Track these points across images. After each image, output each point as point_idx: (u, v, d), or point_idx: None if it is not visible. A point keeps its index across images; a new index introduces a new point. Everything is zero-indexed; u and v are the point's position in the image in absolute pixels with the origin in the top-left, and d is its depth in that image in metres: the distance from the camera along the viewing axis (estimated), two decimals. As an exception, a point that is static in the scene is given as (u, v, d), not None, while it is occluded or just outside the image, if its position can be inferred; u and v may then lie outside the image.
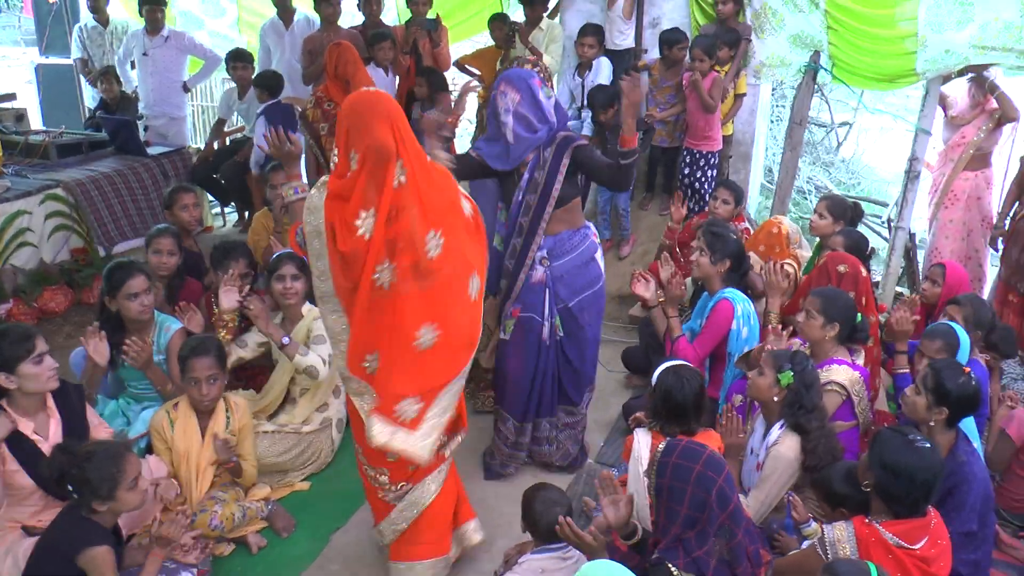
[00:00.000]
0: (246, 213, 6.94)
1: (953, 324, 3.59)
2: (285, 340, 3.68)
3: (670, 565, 2.51)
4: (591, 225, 3.90)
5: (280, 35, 6.84)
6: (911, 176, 6.06)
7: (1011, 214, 5.39)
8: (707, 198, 5.78)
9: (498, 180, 3.83)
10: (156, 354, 3.76)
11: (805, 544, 2.96)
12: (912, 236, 6.17)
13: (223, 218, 7.13)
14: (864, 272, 4.14)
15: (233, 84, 6.59)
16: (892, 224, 6.30)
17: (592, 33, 6.21)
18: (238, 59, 6.29)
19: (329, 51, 5.25)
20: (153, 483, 3.21)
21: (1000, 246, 5.53)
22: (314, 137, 5.24)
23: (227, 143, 6.82)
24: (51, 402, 3.10)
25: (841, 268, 4.14)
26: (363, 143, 2.50)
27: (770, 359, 3.34)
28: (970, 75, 5.65)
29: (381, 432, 2.69)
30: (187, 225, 4.59)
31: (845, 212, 4.83)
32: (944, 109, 5.88)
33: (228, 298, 3.77)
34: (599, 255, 3.91)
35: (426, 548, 3.10)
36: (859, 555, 2.61)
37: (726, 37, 5.85)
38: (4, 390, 2.96)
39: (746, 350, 4.06)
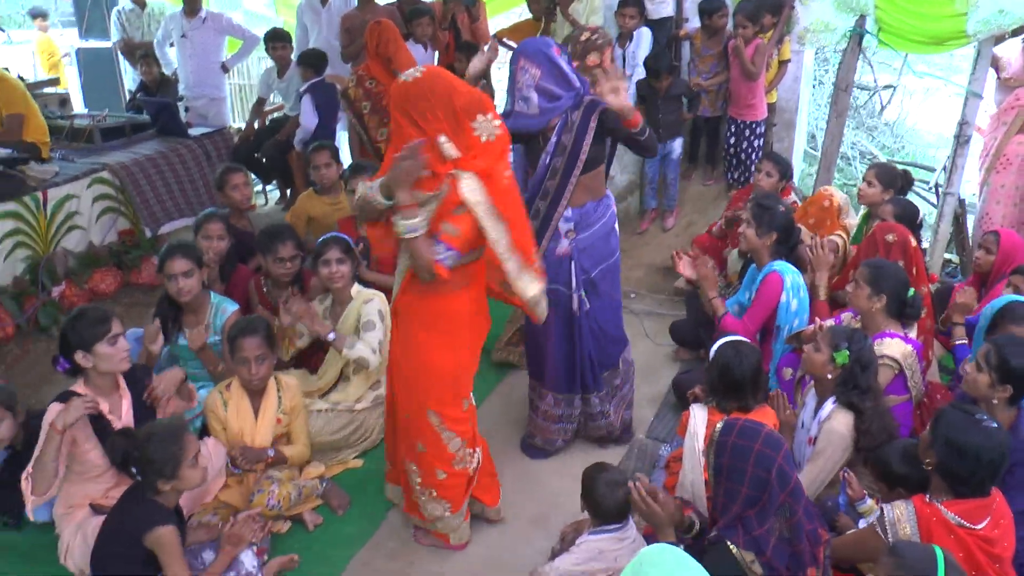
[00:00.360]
0: (288, 191, 6.97)
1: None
2: (331, 336, 3.71)
3: (729, 544, 2.51)
4: (611, 195, 3.88)
5: (317, 13, 6.82)
6: (961, 141, 5.90)
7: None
8: (752, 169, 5.70)
9: (524, 146, 3.79)
10: (212, 334, 3.83)
11: (862, 523, 2.94)
12: (962, 202, 6.03)
13: (265, 196, 7.18)
14: (914, 242, 4.06)
15: (272, 64, 6.58)
16: (940, 190, 6.18)
17: (633, 3, 6.13)
18: (277, 39, 6.30)
19: (370, 29, 5.23)
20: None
21: None
22: (357, 116, 5.23)
23: (267, 122, 6.84)
24: (122, 383, 3.21)
25: (889, 237, 4.06)
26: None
27: (828, 336, 3.30)
28: None
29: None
30: (239, 205, 4.63)
31: (895, 180, 4.74)
32: (997, 71, 5.73)
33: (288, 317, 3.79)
34: (616, 225, 3.90)
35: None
36: (920, 535, 2.58)
37: (769, 3, 5.73)
38: (81, 369, 3.08)
39: (796, 325, 4.04)
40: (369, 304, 3.80)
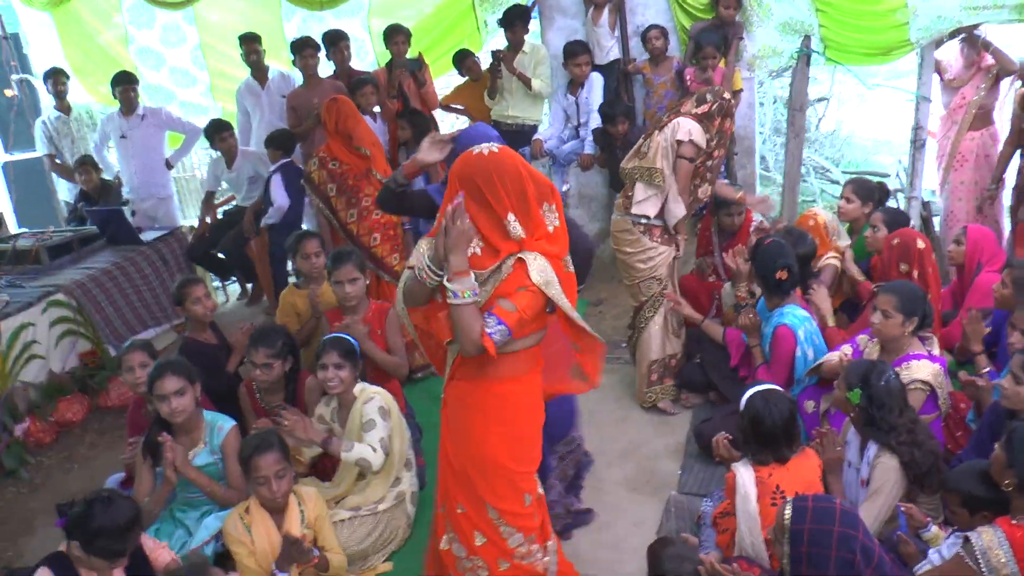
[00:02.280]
0: (249, 285, 6.73)
1: None
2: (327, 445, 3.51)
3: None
4: None
5: (257, 96, 6.64)
6: (917, 145, 6.03)
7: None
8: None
9: None
10: (210, 454, 3.57)
11: (932, 552, 2.83)
12: (927, 204, 6.13)
13: (225, 293, 6.89)
14: (920, 243, 4.07)
15: (217, 155, 6.34)
16: (901, 194, 6.27)
17: (583, 51, 6.15)
18: (220, 129, 6.06)
19: (327, 108, 5.07)
20: None
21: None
22: (323, 199, 5.03)
23: (218, 216, 6.57)
24: None
25: (895, 241, 4.10)
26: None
27: (844, 373, 3.24)
28: (961, 36, 5.62)
29: None
30: (203, 318, 4.36)
31: (872, 193, 4.78)
32: (940, 74, 5.85)
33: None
34: None
35: None
36: (1017, 559, 2.48)
37: (720, 33, 5.79)
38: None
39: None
40: (370, 403, 3.61)
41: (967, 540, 2.58)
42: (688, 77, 5.90)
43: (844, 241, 4.72)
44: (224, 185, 6.61)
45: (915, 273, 4.08)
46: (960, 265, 4.37)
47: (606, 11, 6.23)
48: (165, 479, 3.39)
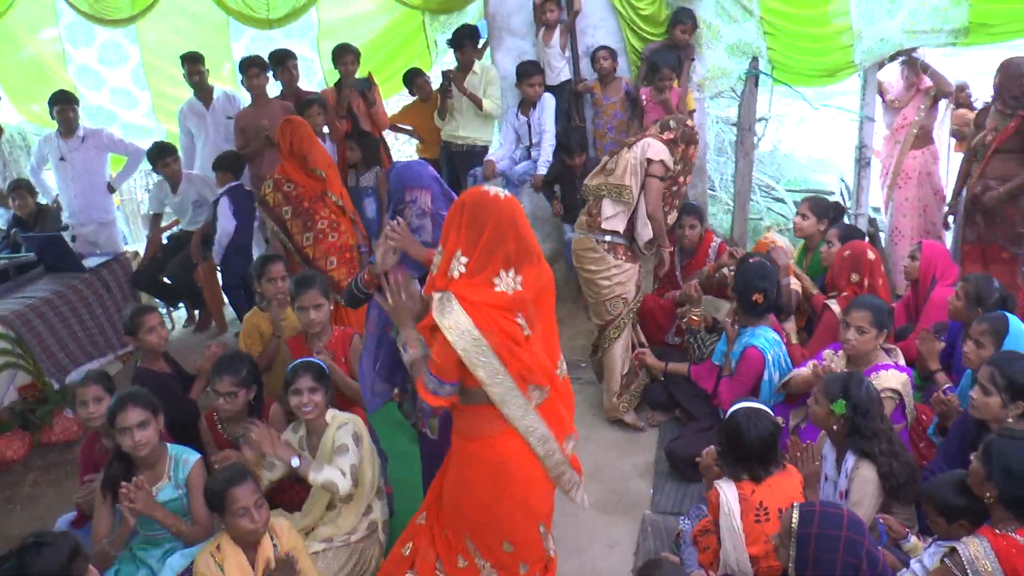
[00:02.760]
0: (196, 312, 6.52)
1: (1011, 316, 3.54)
2: (295, 462, 3.36)
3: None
4: None
5: (201, 117, 6.47)
6: (862, 163, 6.20)
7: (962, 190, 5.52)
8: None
9: None
10: (174, 489, 3.40)
11: (914, 563, 2.86)
12: (873, 221, 6.29)
13: (171, 320, 6.65)
14: (871, 254, 4.17)
15: (159, 178, 6.11)
16: (850, 211, 6.42)
17: (536, 72, 6.15)
18: (164, 154, 5.85)
19: (280, 129, 4.95)
20: None
21: (952, 223, 5.69)
22: (278, 223, 4.90)
23: (163, 241, 6.35)
24: None
25: (846, 253, 4.19)
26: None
27: (823, 387, 3.27)
28: (901, 59, 5.81)
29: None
30: (156, 348, 4.17)
31: (827, 210, 4.90)
32: (882, 95, 6.04)
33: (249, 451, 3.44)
34: None
35: None
36: (1003, 569, 2.51)
37: (674, 56, 5.85)
38: None
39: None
40: (343, 428, 3.50)
41: (953, 551, 2.61)
42: (644, 98, 5.96)
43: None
44: (168, 210, 6.38)
45: (865, 282, 4.19)
46: (915, 280, 4.48)
47: (557, 32, 6.25)
48: (124, 521, 3.21)
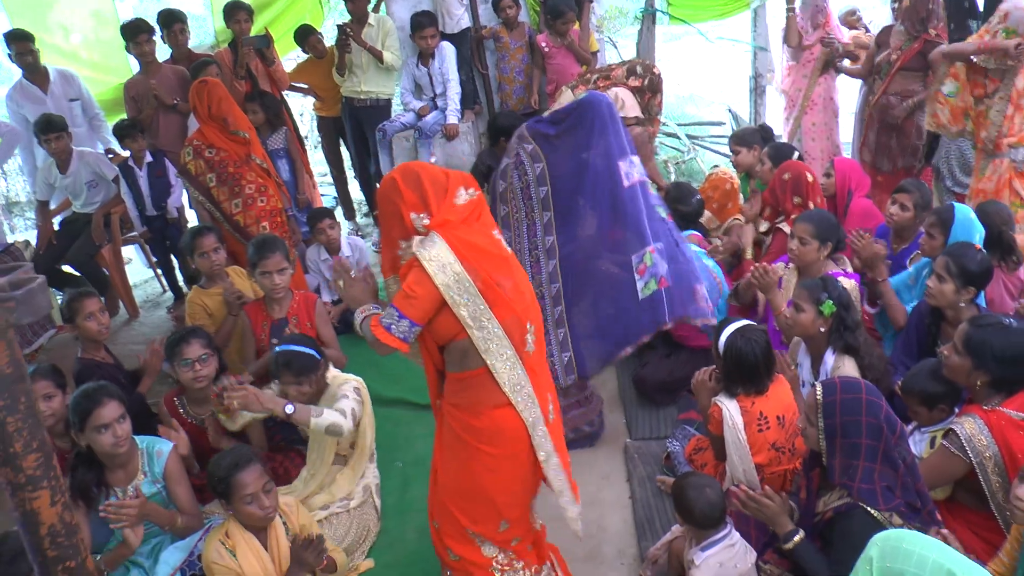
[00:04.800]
0: (103, 297, 6.01)
1: (958, 205, 3.81)
2: (289, 408, 3.15)
3: (869, 509, 2.51)
4: None
5: (39, 101, 5.75)
6: (758, 92, 6.48)
7: (862, 101, 5.86)
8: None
9: None
10: (152, 484, 3.19)
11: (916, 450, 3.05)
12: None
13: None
14: (810, 177, 4.37)
15: (48, 159, 5.54)
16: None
17: (430, 23, 6.03)
18: (50, 129, 5.31)
19: (196, 91, 4.62)
20: None
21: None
22: (203, 191, 4.60)
23: (55, 227, 5.80)
24: None
25: (785, 176, 4.38)
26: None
27: (805, 294, 3.41)
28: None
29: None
30: (96, 336, 3.86)
31: (755, 137, 5.07)
32: (791, 42, 6.16)
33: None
34: None
35: None
36: (996, 442, 2.73)
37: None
38: None
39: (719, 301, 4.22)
40: (346, 384, 3.37)
41: (950, 432, 2.81)
42: (543, 43, 5.96)
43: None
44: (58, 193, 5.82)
45: (810, 204, 4.41)
46: (832, 195, 4.74)
47: (452, -23, 6.14)
48: (124, 543, 2.98)
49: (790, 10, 5.90)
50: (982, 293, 3.53)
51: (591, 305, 3.65)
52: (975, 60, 4.43)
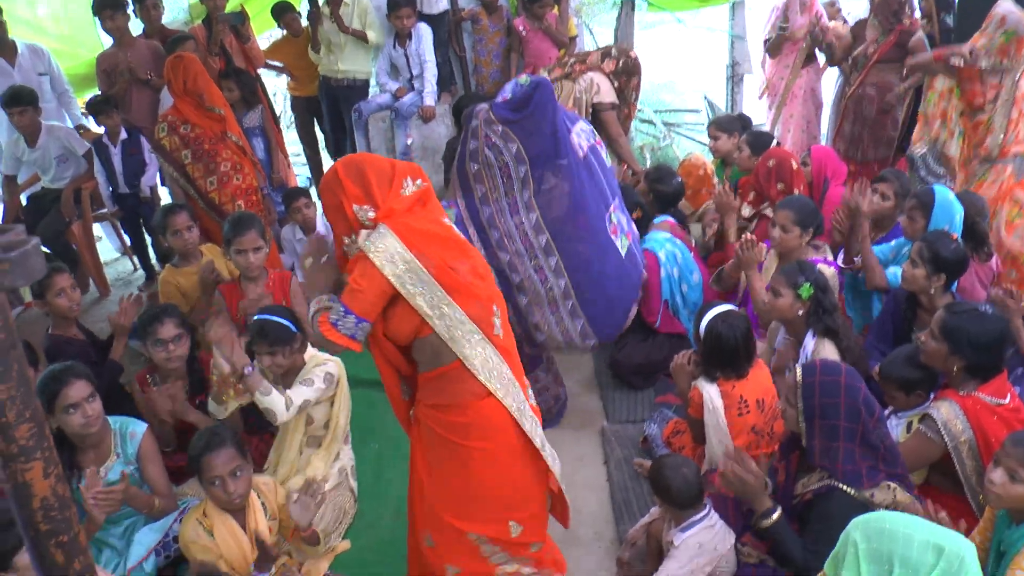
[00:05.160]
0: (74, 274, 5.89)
1: (937, 187, 3.85)
2: (247, 369, 3.08)
3: (847, 488, 2.54)
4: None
5: (6, 75, 5.59)
6: (735, 80, 6.50)
7: (839, 93, 5.90)
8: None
9: None
10: (124, 465, 3.13)
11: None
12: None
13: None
14: (795, 164, 4.39)
15: (15, 134, 5.39)
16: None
17: (406, 3, 5.96)
18: (16, 102, 5.15)
19: (171, 66, 4.52)
20: None
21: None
22: (178, 168, 4.52)
23: (23, 203, 5.66)
24: None
25: (770, 163, 4.39)
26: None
27: (782, 279, 3.43)
28: None
29: None
30: (68, 313, 3.80)
31: (735, 124, 5.08)
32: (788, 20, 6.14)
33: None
34: None
35: None
36: (971, 426, 2.78)
37: None
38: None
39: (686, 291, 4.29)
40: (320, 366, 3.33)
41: (926, 416, 2.86)
42: (520, 27, 5.93)
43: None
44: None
45: (795, 191, 4.43)
46: (809, 183, 4.78)
47: (431, -43, 6.08)
48: (90, 519, 2.88)
49: (783, 29, 5.86)
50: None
51: (596, 272, 3.65)
52: (983, 66, 4.38)
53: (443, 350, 2.46)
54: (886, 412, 3.22)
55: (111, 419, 3.18)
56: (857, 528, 1.96)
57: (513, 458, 2.62)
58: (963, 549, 1.81)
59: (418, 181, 2.50)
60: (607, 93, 4.46)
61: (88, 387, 3.00)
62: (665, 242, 4.27)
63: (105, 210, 5.62)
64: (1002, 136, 4.41)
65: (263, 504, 3.01)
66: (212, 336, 3.07)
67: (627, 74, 4.52)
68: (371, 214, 2.41)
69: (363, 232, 2.42)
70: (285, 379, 3.34)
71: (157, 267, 5.67)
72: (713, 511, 2.83)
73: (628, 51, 4.57)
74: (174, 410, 3.33)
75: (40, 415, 1.01)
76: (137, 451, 3.15)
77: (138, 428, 3.20)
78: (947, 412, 2.83)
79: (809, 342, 3.41)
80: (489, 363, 2.52)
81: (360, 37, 6.01)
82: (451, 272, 2.44)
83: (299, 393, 3.20)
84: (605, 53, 4.50)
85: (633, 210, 4.17)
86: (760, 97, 6.24)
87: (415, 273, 2.37)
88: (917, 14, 5.43)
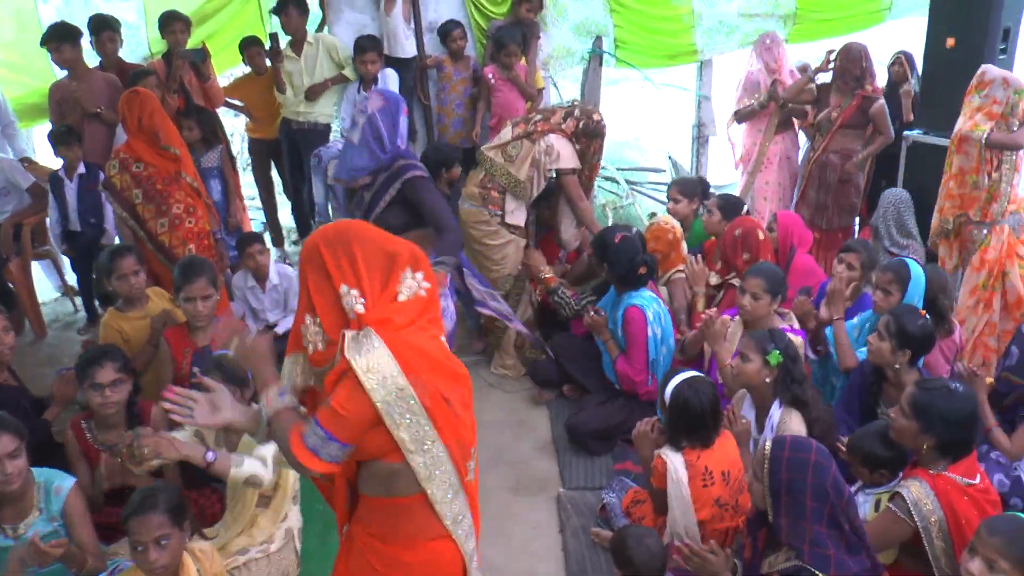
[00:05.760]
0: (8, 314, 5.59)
1: (909, 261, 3.82)
2: (210, 456, 2.88)
3: (818, 573, 2.44)
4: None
5: None
6: (701, 141, 6.52)
7: (804, 158, 5.92)
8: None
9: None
10: (47, 522, 2.91)
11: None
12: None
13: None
14: (761, 235, 4.36)
15: None
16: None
17: (372, 47, 5.88)
18: None
19: (126, 101, 4.35)
20: None
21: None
22: (128, 208, 4.32)
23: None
24: None
25: (737, 232, 4.34)
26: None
27: (752, 344, 3.37)
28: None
29: None
30: (0, 357, 3.59)
31: (696, 188, 5.05)
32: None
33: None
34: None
35: None
36: (942, 506, 2.71)
37: (519, 32, 5.83)
38: None
39: (665, 352, 4.22)
40: None
41: (897, 495, 2.79)
42: (490, 75, 5.89)
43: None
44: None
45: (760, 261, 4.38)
46: (774, 250, 4.75)
47: (399, 2, 6.00)
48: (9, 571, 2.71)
49: (762, 105, 5.84)
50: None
51: None
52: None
53: (407, 481, 2.11)
54: (853, 488, 3.15)
55: (36, 471, 2.97)
56: None
57: None
58: None
59: (419, 275, 2.10)
60: (567, 159, 4.47)
61: (14, 441, 2.79)
62: (652, 301, 4.21)
63: (47, 247, 5.38)
64: (1006, 201, 4.43)
65: (198, 572, 2.80)
66: (148, 453, 2.74)
67: (588, 136, 4.51)
68: (359, 307, 2.02)
69: (348, 334, 2.01)
70: (229, 437, 3.17)
71: (100, 310, 5.43)
72: (676, 587, 2.71)
73: (592, 113, 4.55)
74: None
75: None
76: (63, 507, 2.94)
77: (64, 483, 2.99)
78: (918, 492, 2.75)
79: (776, 412, 3.33)
80: (456, 508, 2.20)
81: (340, 82, 5.95)
82: (443, 404, 2.09)
83: (267, 450, 2.94)
84: (568, 112, 4.48)
85: (639, 266, 4.13)
86: (736, 167, 6.24)
87: (405, 401, 2.01)
88: (879, 81, 5.51)
